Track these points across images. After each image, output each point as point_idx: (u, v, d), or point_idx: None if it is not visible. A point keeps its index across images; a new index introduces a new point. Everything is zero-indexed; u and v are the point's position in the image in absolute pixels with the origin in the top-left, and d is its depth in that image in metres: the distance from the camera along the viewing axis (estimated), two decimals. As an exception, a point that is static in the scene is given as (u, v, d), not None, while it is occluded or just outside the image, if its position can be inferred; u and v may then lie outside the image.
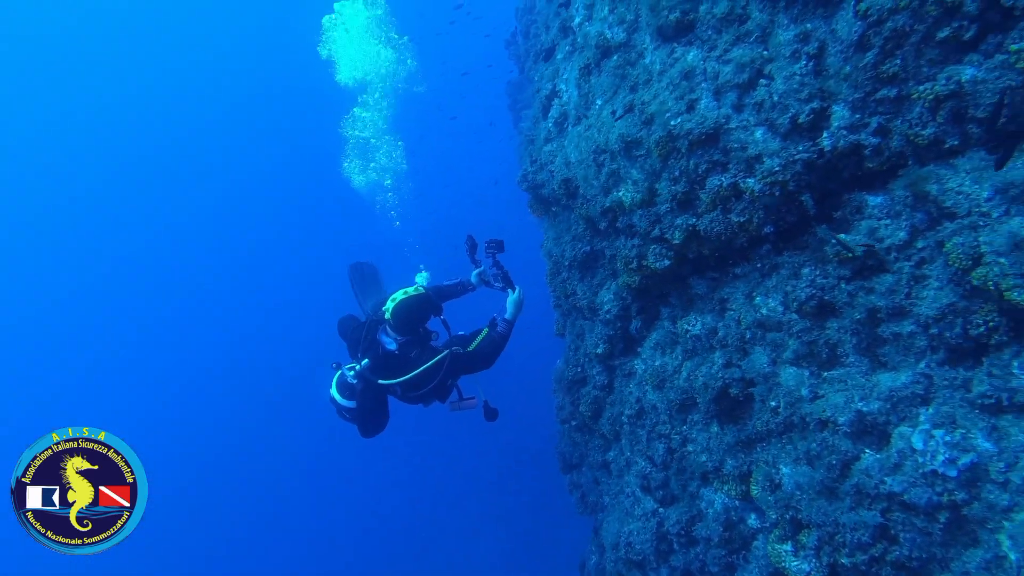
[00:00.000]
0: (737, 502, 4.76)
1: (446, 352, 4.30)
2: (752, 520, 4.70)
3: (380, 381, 4.33)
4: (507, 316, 4.72)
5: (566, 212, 6.02)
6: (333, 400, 4.61)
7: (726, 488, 4.64)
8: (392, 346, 4.40)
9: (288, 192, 38.73)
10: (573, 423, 7.36)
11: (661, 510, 5.57)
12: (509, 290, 4.83)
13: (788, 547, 4.00)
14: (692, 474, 5.12)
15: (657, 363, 5.21)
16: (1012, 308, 2.81)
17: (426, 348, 4.39)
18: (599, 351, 6.04)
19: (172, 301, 35.39)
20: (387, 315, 4.39)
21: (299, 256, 37.13)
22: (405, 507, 21.27)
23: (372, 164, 9.03)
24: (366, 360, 4.40)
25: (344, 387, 4.54)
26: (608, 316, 5.83)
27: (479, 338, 4.60)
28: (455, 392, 4.93)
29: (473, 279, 5.42)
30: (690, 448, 4.96)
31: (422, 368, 4.22)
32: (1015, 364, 3.01)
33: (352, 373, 4.40)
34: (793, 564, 3.93)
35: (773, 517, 4.03)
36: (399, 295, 4.41)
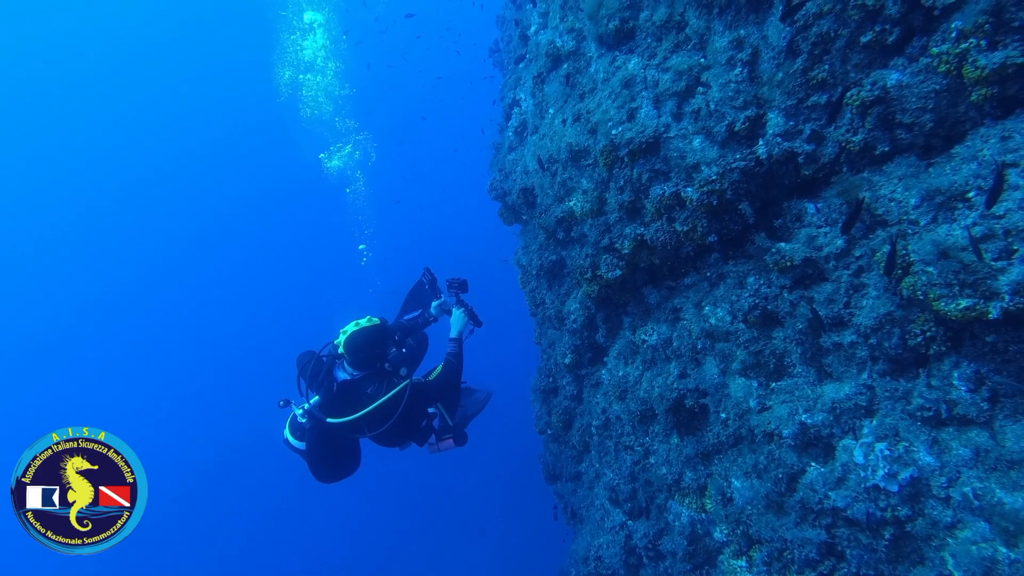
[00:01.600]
0: (703, 515, 4.66)
1: (406, 383, 3.94)
2: (717, 534, 4.58)
3: (329, 420, 3.93)
4: (452, 335, 4.46)
5: (533, 221, 5.98)
6: (287, 443, 4.27)
7: (687, 501, 4.55)
8: (347, 380, 4.04)
9: (288, 193, 38.64)
10: (549, 433, 7.28)
11: (630, 523, 5.47)
12: (455, 309, 4.61)
13: (743, 563, 3.91)
14: (660, 487, 5.02)
15: (620, 373, 5.12)
16: (948, 318, 2.72)
17: (385, 382, 4.00)
18: (567, 361, 5.96)
19: (173, 301, 35.27)
20: (340, 349, 4.03)
21: (302, 256, 36.95)
22: (398, 515, 21.03)
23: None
24: (316, 397, 4.06)
25: (297, 427, 4.22)
26: (575, 326, 5.75)
27: (439, 367, 4.35)
28: (432, 435, 4.61)
29: (434, 311, 5.14)
30: (652, 460, 4.87)
31: (377, 403, 3.85)
32: (955, 375, 2.92)
33: (300, 412, 4.04)
34: (748, 580, 3.84)
35: (726, 531, 3.94)
36: (350, 327, 4.03)
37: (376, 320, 4.10)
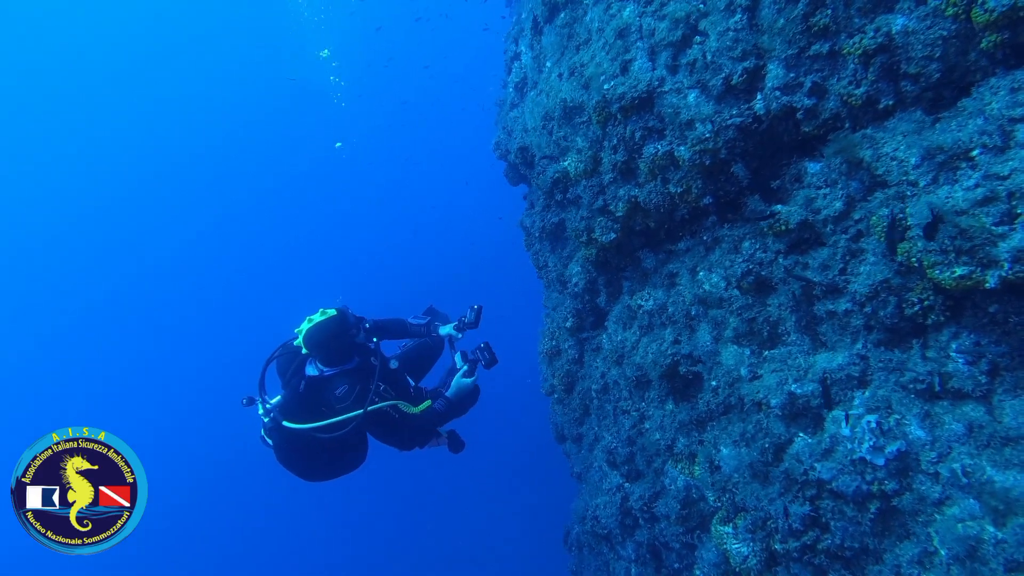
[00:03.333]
0: (696, 481, 4.63)
1: (359, 412, 3.58)
2: (712, 499, 4.57)
3: (285, 423, 3.62)
4: (448, 393, 4.14)
5: (533, 181, 5.82)
6: (264, 442, 3.94)
7: (680, 467, 4.51)
8: (315, 377, 3.78)
9: (291, 191, 37.22)
10: (555, 396, 7.29)
11: (627, 485, 5.48)
12: (465, 367, 4.25)
13: (729, 529, 3.87)
14: (654, 452, 5.00)
15: (618, 338, 5.04)
16: (942, 286, 2.55)
17: (358, 385, 3.71)
18: (568, 325, 5.90)
19: (173, 301, 34.32)
20: (303, 350, 3.75)
21: (306, 257, 35.65)
22: (410, 485, 20.59)
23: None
24: (278, 397, 3.81)
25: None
26: (576, 289, 5.66)
27: (423, 406, 4.03)
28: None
29: (442, 333, 4.78)
30: (647, 425, 4.82)
31: (326, 422, 3.57)
32: (953, 346, 2.76)
33: (261, 411, 3.75)
34: (734, 547, 3.81)
35: (713, 498, 3.90)
36: (305, 325, 3.73)
37: (331, 311, 3.79)
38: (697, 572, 4.56)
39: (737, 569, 3.79)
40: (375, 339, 4.03)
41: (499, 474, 19.83)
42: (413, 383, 4.69)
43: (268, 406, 3.72)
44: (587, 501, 6.08)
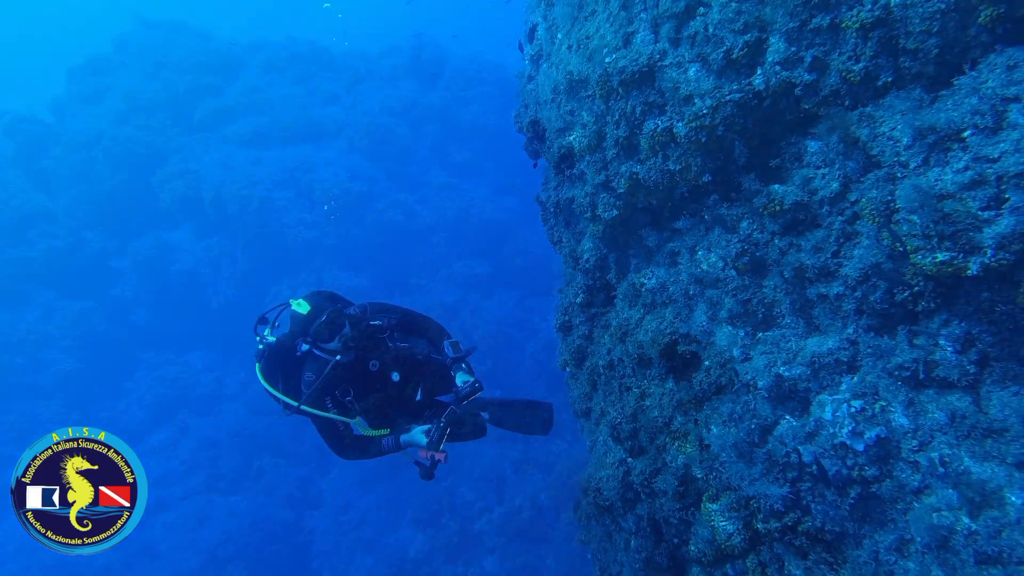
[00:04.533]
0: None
1: (296, 404, 3.49)
2: (701, 477, 4.59)
3: (257, 370, 3.62)
4: (402, 438, 3.71)
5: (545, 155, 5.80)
6: None
7: (676, 444, 4.54)
8: (305, 351, 3.61)
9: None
10: (568, 370, 7.36)
11: (629, 460, 5.54)
12: (431, 423, 3.66)
13: (716, 507, 3.91)
14: (657, 428, 5.03)
15: (624, 315, 5.05)
16: (925, 272, 2.48)
17: (323, 383, 3.49)
18: (579, 301, 5.92)
19: None
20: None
21: (311, 250, 34.67)
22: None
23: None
24: (273, 338, 3.66)
25: None
26: (587, 265, 5.66)
27: (380, 432, 3.82)
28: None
29: (458, 381, 4.04)
30: (647, 402, 4.85)
31: (281, 397, 3.54)
32: (943, 334, 2.69)
33: (259, 338, 3.66)
34: (721, 524, 3.85)
35: (700, 476, 3.93)
36: (293, 304, 3.63)
37: (306, 307, 3.56)
38: (692, 547, 4.62)
39: (723, 546, 3.84)
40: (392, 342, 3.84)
41: (502, 468, 19.26)
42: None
43: (267, 339, 3.65)
44: (592, 473, 6.17)
